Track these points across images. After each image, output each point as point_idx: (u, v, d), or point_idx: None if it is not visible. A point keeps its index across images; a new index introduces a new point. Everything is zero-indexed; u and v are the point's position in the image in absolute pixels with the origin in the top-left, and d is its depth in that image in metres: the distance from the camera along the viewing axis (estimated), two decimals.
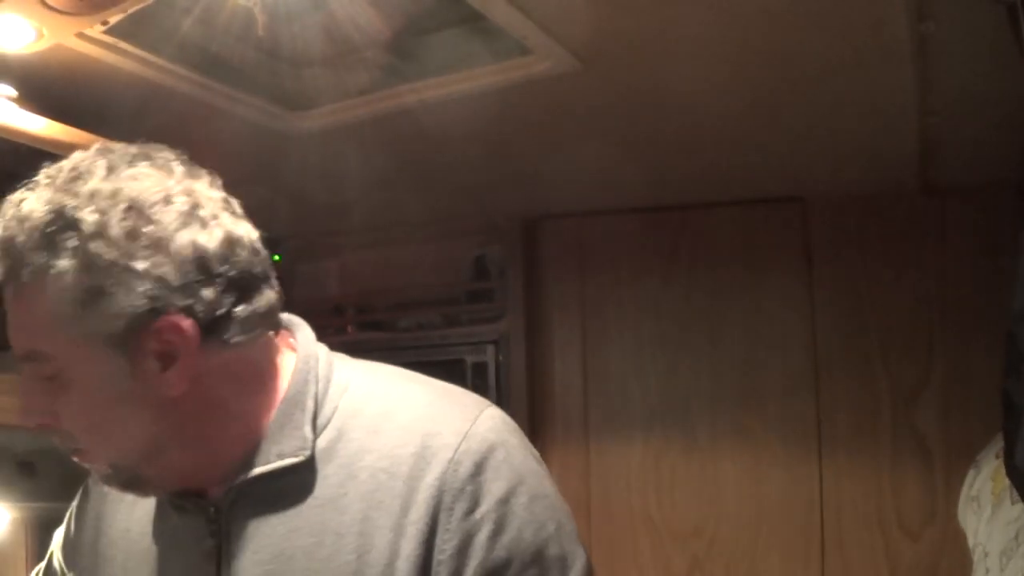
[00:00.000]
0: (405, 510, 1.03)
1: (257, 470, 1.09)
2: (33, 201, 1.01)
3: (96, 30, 1.50)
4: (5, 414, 1.81)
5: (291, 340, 1.16)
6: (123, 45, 1.58)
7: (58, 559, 1.29)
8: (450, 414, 1.09)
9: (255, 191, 2.25)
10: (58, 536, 1.31)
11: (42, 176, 1.04)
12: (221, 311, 1.04)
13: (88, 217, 0.99)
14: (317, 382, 1.13)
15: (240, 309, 1.05)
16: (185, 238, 1.01)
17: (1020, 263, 1.17)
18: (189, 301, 1.01)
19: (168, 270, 1.00)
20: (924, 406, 2.42)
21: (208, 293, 1.03)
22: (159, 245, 1.00)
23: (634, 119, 2.02)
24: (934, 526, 2.35)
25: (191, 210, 1.03)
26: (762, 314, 2.58)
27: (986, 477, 1.80)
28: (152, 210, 1.01)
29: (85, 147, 1.06)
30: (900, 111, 1.91)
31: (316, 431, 1.10)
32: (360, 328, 3.04)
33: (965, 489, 1.88)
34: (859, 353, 2.49)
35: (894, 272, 2.47)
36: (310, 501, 1.07)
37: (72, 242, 0.99)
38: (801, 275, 2.56)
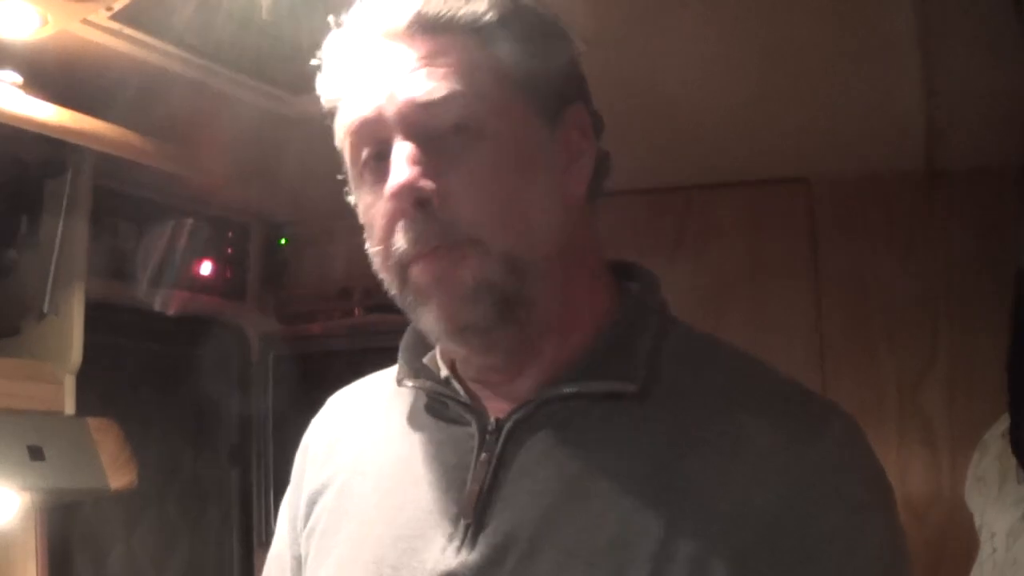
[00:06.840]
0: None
1: (569, 388, 0.93)
2: None
3: (101, 16, 1.50)
4: (13, 399, 1.83)
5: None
6: (128, 31, 1.57)
7: (286, 537, 1.15)
8: None
9: (261, 175, 2.27)
10: (283, 517, 1.18)
11: None
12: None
13: None
14: (658, 314, 1.02)
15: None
16: None
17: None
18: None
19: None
20: (930, 388, 2.42)
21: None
22: None
23: (637, 102, 2.01)
24: (940, 507, 2.35)
25: None
26: (766, 296, 2.57)
27: (992, 457, 1.80)
28: None
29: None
30: (904, 93, 1.91)
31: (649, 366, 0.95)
32: (367, 311, 3.03)
33: (971, 469, 1.88)
34: (864, 335, 2.48)
35: (899, 254, 2.46)
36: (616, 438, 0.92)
37: None
38: (806, 256, 2.55)
